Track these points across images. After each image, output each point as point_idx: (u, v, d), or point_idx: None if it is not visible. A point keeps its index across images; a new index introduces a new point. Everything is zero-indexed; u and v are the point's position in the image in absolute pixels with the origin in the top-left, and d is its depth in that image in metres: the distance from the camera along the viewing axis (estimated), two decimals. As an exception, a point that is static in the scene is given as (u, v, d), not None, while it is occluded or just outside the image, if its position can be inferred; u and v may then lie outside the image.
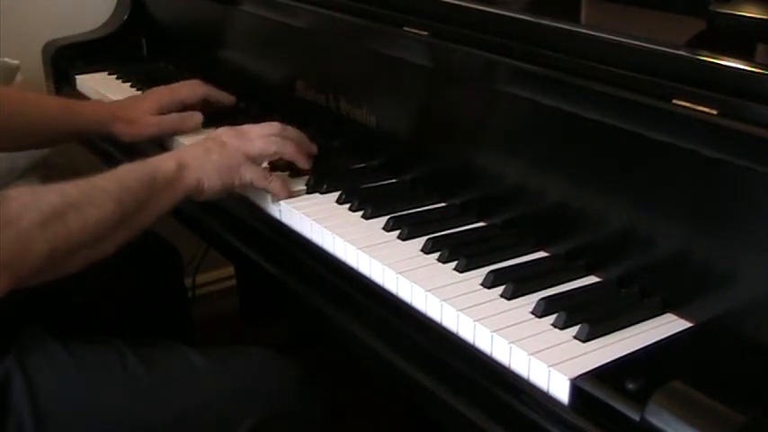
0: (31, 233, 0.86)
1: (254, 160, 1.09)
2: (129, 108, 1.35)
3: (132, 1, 1.76)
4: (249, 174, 1.08)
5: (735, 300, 0.79)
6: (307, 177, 1.15)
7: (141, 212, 0.99)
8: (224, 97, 1.42)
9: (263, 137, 1.11)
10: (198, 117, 1.34)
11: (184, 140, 1.30)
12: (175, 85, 1.40)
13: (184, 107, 1.37)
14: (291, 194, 1.10)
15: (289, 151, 1.12)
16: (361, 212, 1.06)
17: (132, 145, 1.35)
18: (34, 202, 0.88)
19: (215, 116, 1.36)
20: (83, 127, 1.34)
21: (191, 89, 1.39)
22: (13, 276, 0.86)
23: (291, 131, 1.15)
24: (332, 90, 1.26)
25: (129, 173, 1.00)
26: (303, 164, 1.14)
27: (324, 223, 1.03)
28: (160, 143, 1.35)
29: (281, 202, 1.09)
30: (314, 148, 1.18)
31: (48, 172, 1.53)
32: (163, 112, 1.34)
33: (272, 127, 1.13)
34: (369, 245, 0.98)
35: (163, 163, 1.03)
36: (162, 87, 1.41)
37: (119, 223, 0.96)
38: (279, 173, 1.15)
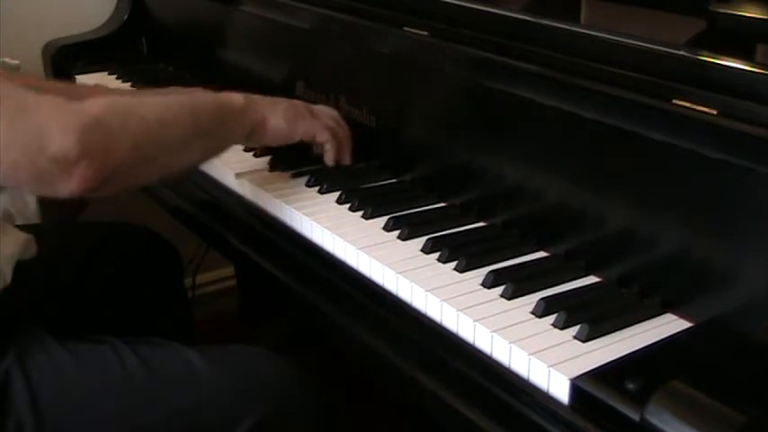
0: (112, 128, 0.90)
1: (317, 117, 1.14)
2: None
3: (132, 1, 1.76)
4: (313, 126, 1.13)
5: (735, 300, 0.79)
6: (307, 177, 1.15)
7: (214, 134, 1.04)
8: None
9: (327, 110, 1.18)
10: None
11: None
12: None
13: None
14: (344, 159, 1.17)
15: (343, 136, 1.17)
16: (361, 212, 1.06)
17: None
18: (112, 103, 0.93)
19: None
20: None
21: None
22: (103, 166, 0.88)
23: (344, 129, 1.19)
24: (332, 90, 1.26)
25: (204, 96, 1.07)
26: (347, 158, 1.18)
27: (324, 223, 1.03)
28: None
29: (281, 202, 1.09)
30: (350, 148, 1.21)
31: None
32: None
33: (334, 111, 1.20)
34: (369, 245, 0.98)
35: (232, 96, 1.08)
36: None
37: (194, 136, 1.00)
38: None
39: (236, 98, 1.08)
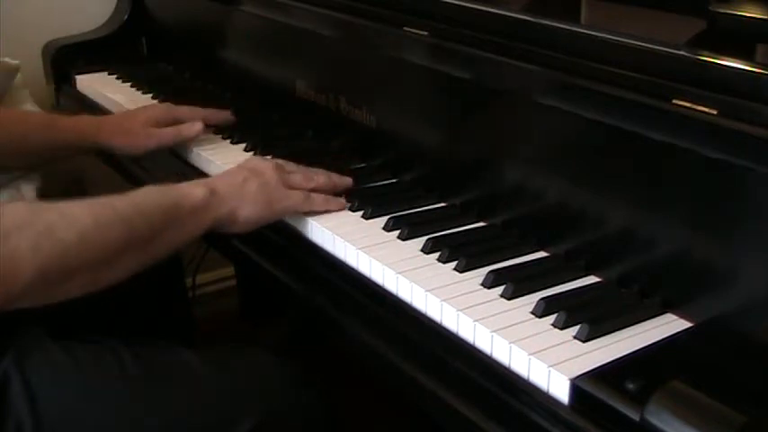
0: (19, 249, 0.81)
1: (291, 185, 1.06)
2: (124, 119, 1.33)
3: (132, 1, 1.76)
4: (291, 201, 1.04)
5: (735, 300, 0.79)
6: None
7: (156, 239, 0.94)
8: (222, 117, 1.37)
9: (302, 171, 1.09)
10: (198, 126, 1.30)
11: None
12: (174, 106, 1.36)
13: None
14: (340, 206, 1.07)
15: (323, 185, 1.08)
16: (361, 212, 1.06)
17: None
18: (29, 218, 0.84)
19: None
20: (65, 142, 1.30)
21: (190, 109, 1.34)
22: (2, 294, 0.80)
23: (326, 175, 1.11)
24: (332, 90, 1.26)
25: (150, 195, 0.95)
26: (336, 206, 1.08)
27: (324, 223, 1.03)
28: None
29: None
30: (349, 182, 1.13)
31: (48, 172, 1.53)
32: (159, 125, 1.31)
33: (314, 172, 1.10)
34: (369, 245, 0.98)
35: (191, 189, 0.98)
36: (162, 104, 1.38)
37: (126, 247, 0.90)
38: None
39: (195, 193, 0.97)
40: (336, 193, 1.10)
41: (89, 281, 0.89)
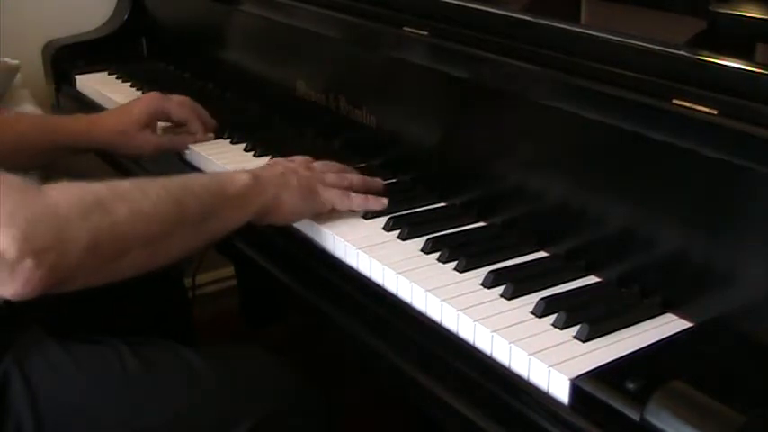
0: (69, 220, 0.79)
1: (327, 183, 1.05)
2: (116, 118, 1.32)
3: (132, 1, 1.76)
4: (329, 195, 1.03)
5: (735, 300, 0.79)
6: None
7: (207, 221, 0.93)
8: (207, 121, 1.35)
9: (335, 170, 1.08)
10: (193, 136, 1.31)
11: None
12: (166, 96, 1.35)
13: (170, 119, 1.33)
14: (381, 206, 1.06)
15: (357, 184, 1.07)
16: (361, 212, 1.06)
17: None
18: (78, 192, 0.83)
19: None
20: (61, 143, 1.30)
21: (179, 104, 1.33)
22: (55, 268, 0.79)
23: (359, 175, 1.10)
24: (332, 90, 1.26)
25: (198, 178, 0.96)
26: (377, 205, 1.06)
27: (324, 223, 1.03)
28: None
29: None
30: (380, 183, 1.11)
31: (48, 172, 1.53)
32: (152, 119, 1.31)
33: (335, 165, 1.10)
34: (369, 245, 0.98)
35: (236, 175, 0.98)
36: (152, 93, 1.36)
37: (177, 225, 0.89)
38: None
39: (240, 179, 0.97)
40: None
41: (143, 259, 0.88)
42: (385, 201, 1.07)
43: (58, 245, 0.79)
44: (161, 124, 1.34)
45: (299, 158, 1.10)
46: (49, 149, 1.31)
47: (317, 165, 1.09)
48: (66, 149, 1.32)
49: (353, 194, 1.06)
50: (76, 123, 1.33)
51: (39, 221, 0.78)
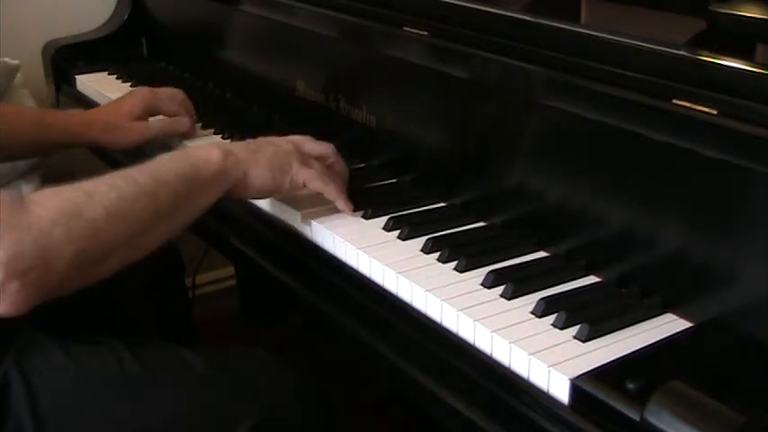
0: (53, 237, 0.80)
1: (307, 163, 1.03)
2: (108, 114, 1.32)
3: (132, 1, 1.76)
4: (303, 174, 1.02)
5: (735, 300, 0.79)
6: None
7: (182, 207, 0.94)
8: (191, 116, 1.35)
9: (319, 144, 1.08)
10: (185, 121, 1.31)
11: (190, 144, 1.28)
12: (156, 89, 1.35)
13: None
14: (349, 208, 1.05)
15: (338, 178, 1.06)
16: (361, 212, 1.06)
17: (137, 148, 1.32)
18: (59, 203, 0.83)
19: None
20: (55, 138, 1.30)
21: (170, 97, 1.33)
22: (40, 285, 0.80)
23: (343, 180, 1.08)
24: (332, 90, 1.26)
25: (167, 164, 0.94)
26: (344, 205, 1.05)
27: (323, 223, 1.03)
28: (168, 149, 1.30)
29: (281, 203, 1.09)
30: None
31: (48, 172, 1.53)
32: (143, 114, 1.31)
33: (327, 146, 1.09)
34: (369, 245, 0.98)
35: (208, 154, 0.97)
36: (142, 89, 1.37)
37: (155, 219, 0.90)
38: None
39: (213, 157, 0.96)
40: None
41: (126, 255, 0.89)
42: (351, 207, 1.05)
43: (42, 264, 0.80)
44: (152, 118, 1.34)
45: (295, 137, 1.08)
46: (41, 143, 1.32)
47: (304, 138, 1.07)
48: (59, 144, 1.33)
49: (330, 181, 1.04)
50: (69, 119, 1.34)
51: (23, 243, 0.79)
